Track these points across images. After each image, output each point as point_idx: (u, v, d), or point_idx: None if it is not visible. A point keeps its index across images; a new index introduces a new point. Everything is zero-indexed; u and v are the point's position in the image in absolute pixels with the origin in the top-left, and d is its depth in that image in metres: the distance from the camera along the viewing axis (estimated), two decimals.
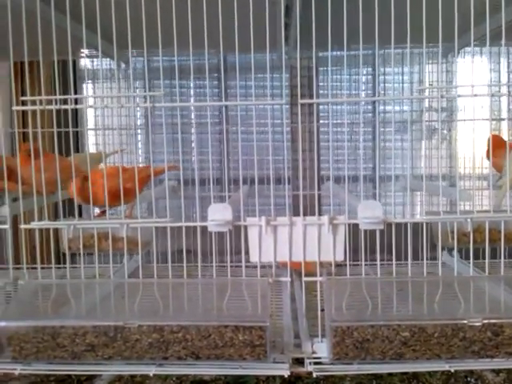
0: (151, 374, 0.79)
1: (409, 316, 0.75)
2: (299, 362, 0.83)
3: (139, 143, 1.85)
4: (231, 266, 0.89)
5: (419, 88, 0.88)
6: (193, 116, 1.48)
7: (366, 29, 0.82)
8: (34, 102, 0.80)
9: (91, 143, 1.65)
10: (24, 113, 0.82)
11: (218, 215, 0.80)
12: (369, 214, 0.78)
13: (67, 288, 0.83)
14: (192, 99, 0.90)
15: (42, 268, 0.83)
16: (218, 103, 0.87)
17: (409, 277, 0.82)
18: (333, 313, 0.74)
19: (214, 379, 1.24)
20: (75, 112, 1.66)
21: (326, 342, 0.79)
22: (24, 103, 0.81)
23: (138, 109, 1.88)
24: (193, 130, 1.30)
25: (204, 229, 0.81)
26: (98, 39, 0.83)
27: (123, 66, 1.38)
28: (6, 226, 0.81)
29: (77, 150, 1.55)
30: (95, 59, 1.57)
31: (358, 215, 0.79)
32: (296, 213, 0.83)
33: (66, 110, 0.82)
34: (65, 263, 0.86)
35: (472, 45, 0.87)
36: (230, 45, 0.83)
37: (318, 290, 0.81)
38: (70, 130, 1.39)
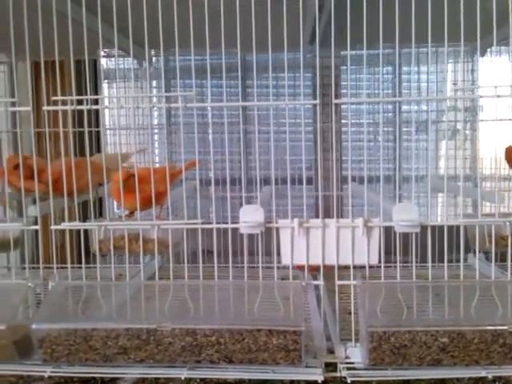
0: (183, 378, 0.78)
1: (448, 321, 0.73)
2: (330, 366, 0.82)
3: (156, 143, 1.85)
4: (255, 267, 0.88)
5: (457, 88, 0.86)
6: (209, 116, 1.48)
7: (388, 28, 0.81)
8: (63, 102, 0.80)
9: (111, 143, 1.65)
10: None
11: (250, 217, 0.79)
12: (404, 216, 0.76)
13: (97, 289, 0.82)
14: (224, 99, 0.89)
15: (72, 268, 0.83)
16: (249, 103, 0.86)
17: (445, 280, 0.80)
18: (369, 318, 0.72)
19: (238, 381, 1.23)
20: (96, 112, 1.66)
21: (361, 347, 0.77)
22: (54, 103, 0.80)
23: (155, 108, 1.88)
24: (220, 129, 1.30)
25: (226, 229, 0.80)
26: (129, 39, 0.82)
27: (145, 65, 1.37)
28: (37, 227, 0.81)
29: (97, 150, 1.55)
30: (113, 58, 1.57)
31: (392, 218, 0.77)
32: (318, 214, 0.82)
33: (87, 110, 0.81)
34: (88, 263, 0.86)
35: (494, 44, 0.84)
36: (257, 44, 0.82)
37: (352, 293, 0.80)
38: (101, 129, 1.39)
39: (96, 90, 1.62)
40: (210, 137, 0.86)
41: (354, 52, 0.97)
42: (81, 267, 0.88)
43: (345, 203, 1.56)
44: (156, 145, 1.81)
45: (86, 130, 0.80)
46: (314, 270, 0.95)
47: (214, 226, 0.81)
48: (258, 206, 0.79)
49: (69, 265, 0.82)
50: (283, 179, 1.11)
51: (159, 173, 0.83)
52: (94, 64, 1.61)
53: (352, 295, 0.80)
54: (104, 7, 0.80)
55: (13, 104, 0.84)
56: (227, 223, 0.82)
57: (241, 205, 0.80)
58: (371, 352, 0.72)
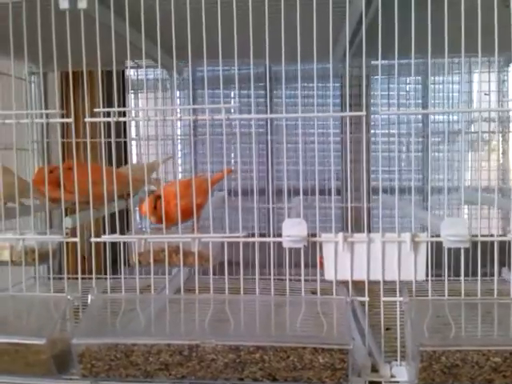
0: None
1: (500, 340, 0.70)
2: None
3: (181, 153, 1.84)
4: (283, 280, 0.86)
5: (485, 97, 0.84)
6: (253, 127, 1.46)
7: (420, 38, 0.80)
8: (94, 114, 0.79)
9: (138, 153, 1.64)
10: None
11: (293, 231, 0.77)
12: (453, 231, 0.74)
13: (136, 302, 0.81)
14: (268, 110, 0.88)
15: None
16: (292, 115, 0.84)
17: (494, 298, 0.78)
18: (420, 336, 0.70)
19: None
20: (123, 122, 1.66)
21: (408, 366, 0.75)
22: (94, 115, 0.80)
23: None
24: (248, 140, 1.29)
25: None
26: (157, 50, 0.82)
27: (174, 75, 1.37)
28: (76, 239, 0.80)
29: (125, 161, 1.54)
30: (141, 69, 1.57)
31: (441, 232, 0.75)
32: (345, 226, 0.80)
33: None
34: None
35: None
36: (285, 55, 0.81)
37: (398, 309, 0.77)
38: (128, 139, 1.38)
39: (124, 100, 1.63)
40: (254, 147, 0.84)
41: (384, 62, 0.96)
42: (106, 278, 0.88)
43: (373, 215, 1.53)
44: (179, 155, 1.81)
45: (114, 140, 0.80)
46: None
47: (257, 239, 0.79)
48: (302, 219, 0.77)
49: (108, 277, 0.81)
50: (311, 190, 1.10)
51: (195, 185, 0.82)
52: (123, 75, 1.61)
53: (398, 312, 0.78)
54: (133, 15, 0.80)
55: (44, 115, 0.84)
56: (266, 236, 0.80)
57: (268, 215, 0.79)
58: (421, 372, 0.70)
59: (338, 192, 1.65)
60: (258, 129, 1.97)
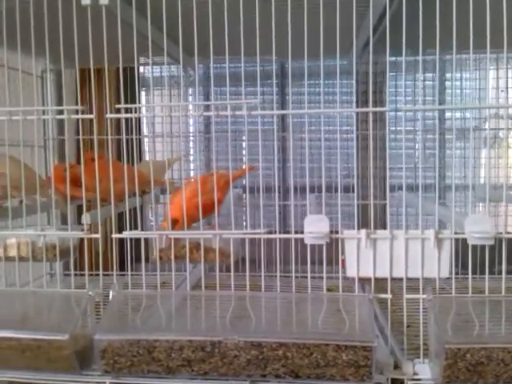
0: None
1: None
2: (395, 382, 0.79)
3: (193, 151, 1.84)
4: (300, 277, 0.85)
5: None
6: (275, 122, 1.46)
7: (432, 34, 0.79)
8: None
9: (152, 150, 1.64)
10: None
11: (315, 227, 0.76)
12: (478, 228, 0.73)
13: (157, 298, 0.81)
14: (289, 106, 0.86)
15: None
16: (314, 111, 0.84)
17: None
18: (445, 334, 0.69)
19: None
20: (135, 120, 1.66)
21: (431, 364, 0.74)
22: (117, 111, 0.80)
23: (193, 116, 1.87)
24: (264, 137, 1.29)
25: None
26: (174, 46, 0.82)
27: (190, 72, 1.37)
28: (98, 235, 0.80)
29: (139, 158, 1.55)
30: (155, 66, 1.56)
31: (465, 229, 0.74)
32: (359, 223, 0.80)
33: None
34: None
35: None
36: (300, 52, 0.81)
37: (421, 307, 0.77)
38: (143, 136, 1.38)
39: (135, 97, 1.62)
40: (276, 144, 0.84)
41: (394, 58, 0.95)
42: (123, 274, 0.87)
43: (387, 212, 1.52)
44: (191, 152, 1.81)
45: (123, 137, 0.79)
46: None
47: (277, 236, 0.79)
48: (323, 216, 0.77)
49: (129, 273, 0.81)
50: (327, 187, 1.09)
51: (212, 182, 0.81)
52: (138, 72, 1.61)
53: (421, 309, 0.77)
54: (153, 11, 0.80)
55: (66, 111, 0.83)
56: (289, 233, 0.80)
57: (279, 213, 0.78)
58: (445, 369, 0.69)
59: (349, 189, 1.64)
60: (268, 126, 1.97)
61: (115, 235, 0.80)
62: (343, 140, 1.64)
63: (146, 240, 0.84)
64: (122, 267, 1.38)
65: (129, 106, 0.77)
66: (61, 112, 0.85)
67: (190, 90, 1.95)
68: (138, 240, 0.81)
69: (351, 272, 0.78)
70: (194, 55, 0.80)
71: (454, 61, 0.88)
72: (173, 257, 0.79)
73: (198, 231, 0.79)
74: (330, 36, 0.79)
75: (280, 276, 0.82)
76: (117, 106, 0.78)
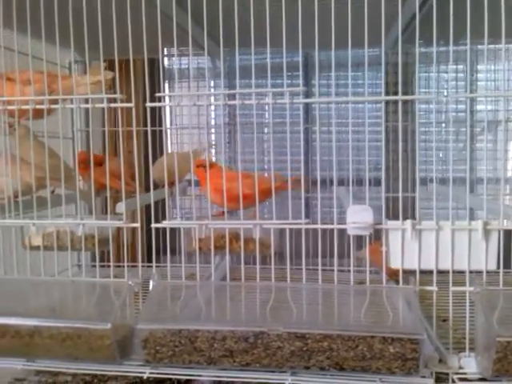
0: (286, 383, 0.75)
1: None
2: (439, 376, 0.78)
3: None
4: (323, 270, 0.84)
5: None
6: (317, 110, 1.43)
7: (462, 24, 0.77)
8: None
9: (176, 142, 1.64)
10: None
11: (359, 217, 0.75)
12: None
13: (197, 289, 0.80)
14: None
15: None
16: (343, 99, 0.82)
17: None
18: (494, 327, 0.67)
19: None
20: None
21: (479, 357, 0.73)
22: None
23: (213, 107, 1.86)
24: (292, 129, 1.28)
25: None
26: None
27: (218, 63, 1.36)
28: (137, 225, 0.79)
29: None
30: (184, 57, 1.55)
31: None
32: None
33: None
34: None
35: None
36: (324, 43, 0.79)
37: (467, 300, 0.75)
38: (171, 127, 1.37)
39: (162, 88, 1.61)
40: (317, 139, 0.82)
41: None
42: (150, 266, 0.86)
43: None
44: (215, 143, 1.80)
45: (164, 127, 0.79)
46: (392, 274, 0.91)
47: (319, 226, 0.77)
48: (367, 206, 0.75)
49: (168, 264, 0.80)
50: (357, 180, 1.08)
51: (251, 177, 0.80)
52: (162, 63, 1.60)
53: (467, 302, 0.75)
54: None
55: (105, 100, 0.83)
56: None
57: (307, 206, 0.77)
58: (495, 363, 0.67)
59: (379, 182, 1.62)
60: (292, 119, 1.95)
61: (154, 225, 0.79)
62: (371, 133, 1.61)
63: (173, 230, 0.84)
64: (147, 259, 1.38)
65: (170, 94, 0.76)
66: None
67: (212, 83, 1.94)
68: (164, 231, 0.80)
69: (395, 264, 0.76)
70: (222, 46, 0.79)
71: (486, 51, 0.86)
72: (212, 247, 0.78)
73: (238, 221, 0.78)
74: (361, 26, 0.78)
75: (306, 269, 0.81)
76: (157, 94, 0.77)
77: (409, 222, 0.74)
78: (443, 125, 1.48)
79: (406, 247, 0.75)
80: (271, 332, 0.70)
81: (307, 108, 1.79)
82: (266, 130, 1.79)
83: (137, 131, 1.17)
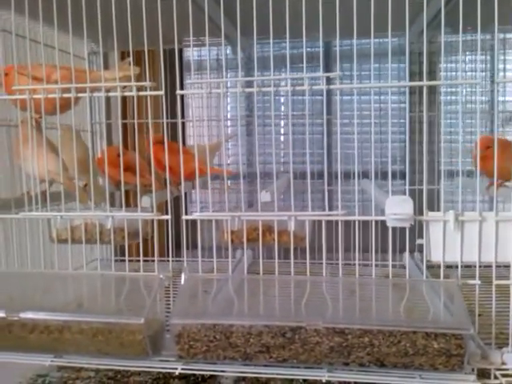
0: (324, 380, 0.73)
1: None
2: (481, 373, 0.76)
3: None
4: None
5: None
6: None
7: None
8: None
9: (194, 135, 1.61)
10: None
11: (398, 208, 0.72)
12: None
13: (229, 283, 0.78)
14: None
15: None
16: (365, 85, 0.79)
17: None
18: None
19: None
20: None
21: None
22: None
23: (229, 100, 1.83)
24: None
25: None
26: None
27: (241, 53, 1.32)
28: (168, 217, 0.77)
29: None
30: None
31: None
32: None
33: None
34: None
35: None
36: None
37: (511, 294, 0.72)
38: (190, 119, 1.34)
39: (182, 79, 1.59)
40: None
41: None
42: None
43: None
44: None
45: (180, 120, 0.76)
46: None
47: (356, 218, 0.75)
48: (407, 196, 0.73)
49: (199, 258, 0.78)
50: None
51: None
52: (180, 54, 1.57)
53: (511, 296, 0.73)
54: None
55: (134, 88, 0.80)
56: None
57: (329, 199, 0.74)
58: None
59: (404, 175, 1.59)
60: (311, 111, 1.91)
61: (185, 217, 0.77)
62: (395, 125, 1.59)
63: (194, 223, 0.82)
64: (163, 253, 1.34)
65: (199, 81, 0.74)
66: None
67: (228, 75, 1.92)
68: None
69: (436, 256, 0.74)
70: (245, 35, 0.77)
71: None
72: (245, 239, 0.75)
73: (272, 213, 0.75)
74: (385, 14, 0.75)
75: (340, 263, 0.78)
76: (187, 81, 0.74)
77: (451, 214, 0.72)
78: (467, 115, 1.45)
79: (447, 239, 0.73)
80: (309, 327, 0.68)
81: (328, 100, 1.76)
82: (282, 124, 1.76)
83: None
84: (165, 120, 0.76)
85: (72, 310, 0.76)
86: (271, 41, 0.75)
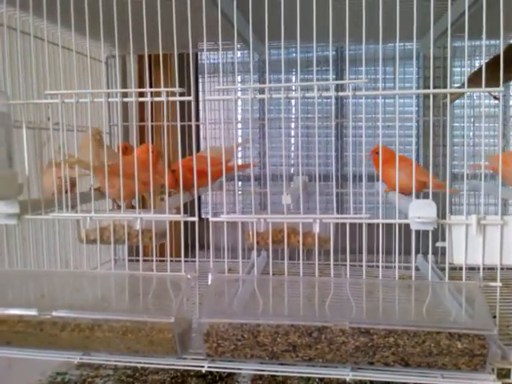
0: (347, 379, 0.75)
1: None
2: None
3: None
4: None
5: None
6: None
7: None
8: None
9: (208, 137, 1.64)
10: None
11: (422, 212, 0.74)
12: None
13: (254, 283, 0.80)
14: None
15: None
16: (375, 92, 0.80)
17: None
18: None
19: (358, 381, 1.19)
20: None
21: None
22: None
23: (240, 102, 1.85)
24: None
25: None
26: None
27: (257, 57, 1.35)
28: (195, 219, 0.79)
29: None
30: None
31: None
32: None
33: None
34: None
35: None
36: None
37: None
38: (202, 123, 1.36)
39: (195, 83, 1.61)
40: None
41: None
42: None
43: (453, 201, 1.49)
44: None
45: (194, 123, 0.78)
46: None
47: (380, 220, 0.77)
48: (430, 200, 0.75)
49: (225, 258, 0.80)
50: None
51: None
52: (196, 58, 1.60)
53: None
54: None
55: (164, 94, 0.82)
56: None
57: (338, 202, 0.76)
58: None
59: None
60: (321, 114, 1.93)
61: (212, 218, 0.79)
62: (408, 128, 1.60)
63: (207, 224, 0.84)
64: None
65: (228, 87, 0.76)
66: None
67: (239, 78, 1.94)
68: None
69: (458, 259, 0.75)
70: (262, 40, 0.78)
71: None
72: (270, 241, 0.77)
73: (297, 215, 0.77)
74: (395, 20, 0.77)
75: (364, 265, 0.80)
76: (216, 87, 0.76)
77: (474, 217, 0.74)
78: (472, 119, 1.46)
79: (469, 243, 0.74)
80: (336, 327, 0.70)
81: (340, 104, 1.78)
82: (292, 126, 1.78)
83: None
84: (193, 123, 0.77)
85: (102, 308, 0.77)
86: (282, 44, 0.77)
